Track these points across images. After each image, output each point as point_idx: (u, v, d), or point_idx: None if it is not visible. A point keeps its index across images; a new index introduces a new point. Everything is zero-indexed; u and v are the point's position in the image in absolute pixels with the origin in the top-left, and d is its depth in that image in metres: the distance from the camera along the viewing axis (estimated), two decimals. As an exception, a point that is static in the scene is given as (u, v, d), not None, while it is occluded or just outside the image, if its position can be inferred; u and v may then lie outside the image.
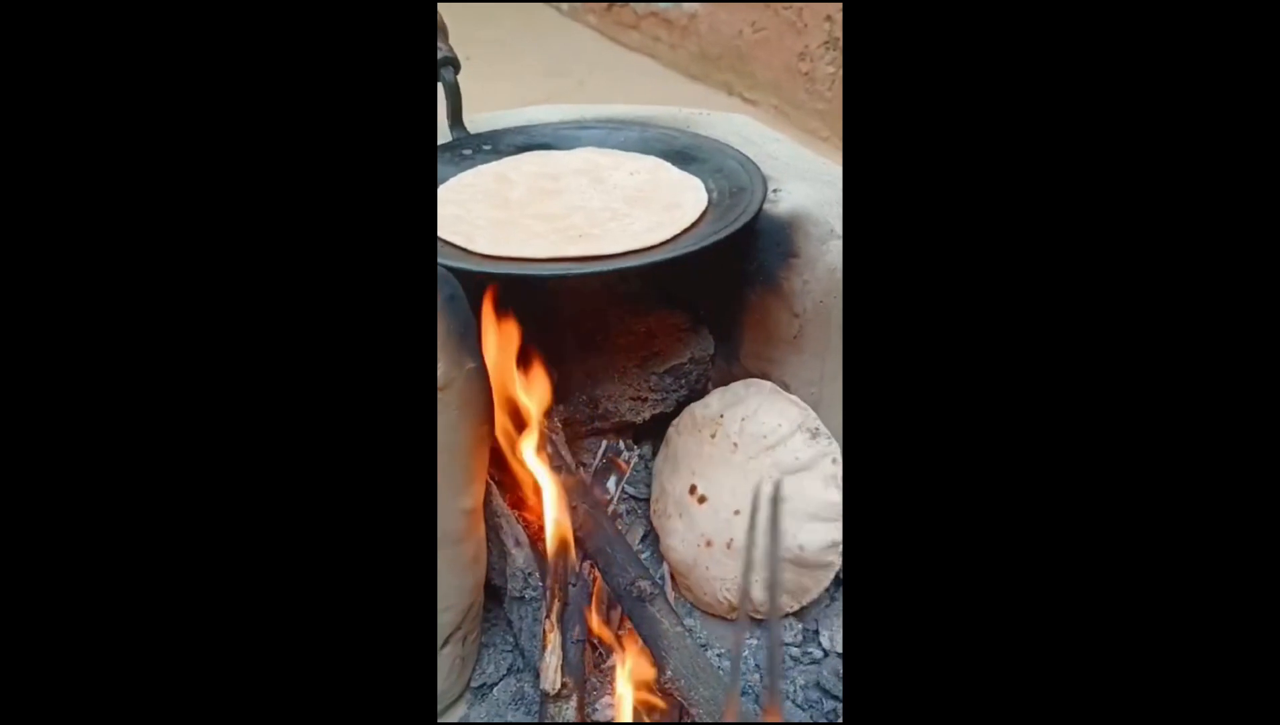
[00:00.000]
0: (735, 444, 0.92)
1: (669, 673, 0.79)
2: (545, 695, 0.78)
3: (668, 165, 1.00)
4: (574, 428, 0.99)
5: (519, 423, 0.86)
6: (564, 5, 3.21)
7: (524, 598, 0.87)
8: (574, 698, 0.78)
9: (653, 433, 1.14)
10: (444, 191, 0.95)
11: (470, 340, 0.76)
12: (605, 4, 2.98)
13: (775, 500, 0.56)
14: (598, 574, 0.85)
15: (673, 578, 0.98)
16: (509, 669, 0.87)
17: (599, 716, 0.80)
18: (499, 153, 1.04)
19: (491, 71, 2.38)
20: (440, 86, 1.03)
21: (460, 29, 1.09)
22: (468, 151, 1.03)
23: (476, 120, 1.10)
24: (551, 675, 0.77)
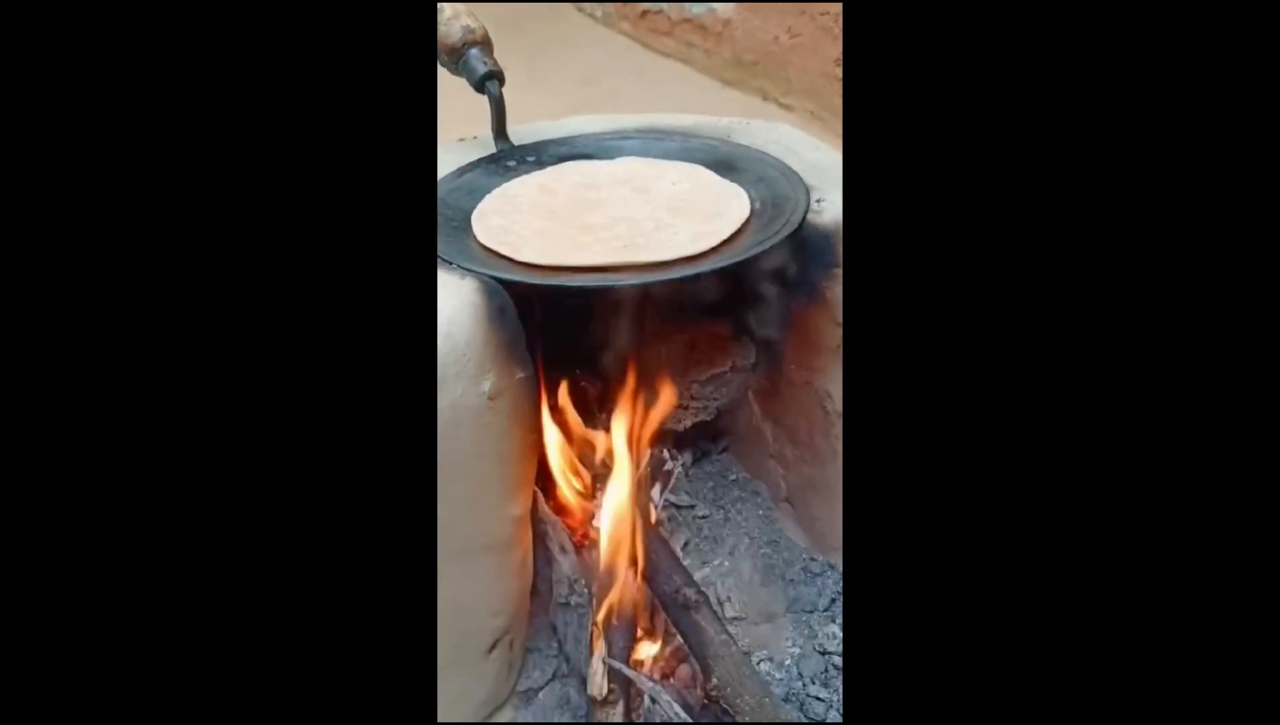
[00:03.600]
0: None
1: (714, 680, 0.79)
2: (593, 701, 0.78)
3: (710, 174, 1.01)
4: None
5: (567, 432, 0.87)
6: (598, 13, 3.23)
7: (569, 604, 0.88)
8: (620, 703, 0.79)
9: (690, 441, 1.15)
10: (489, 202, 0.96)
11: (520, 350, 0.77)
12: (639, 11, 2.99)
13: None
14: (643, 581, 0.85)
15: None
16: (554, 674, 0.88)
17: (645, 720, 0.80)
18: (542, 163, 1.05)
19: (525, 81, 2.40)
20: (487, 100, 1.05)
21: (497, 38, 1.10)
22: (511, 163, 1.05)
23: (519, 132, 1.12)
24: (599, 680, 0.78)
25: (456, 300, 0.74)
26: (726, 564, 1.07)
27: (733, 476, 1.18)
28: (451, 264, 0.79)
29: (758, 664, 0.91)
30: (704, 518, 1.13)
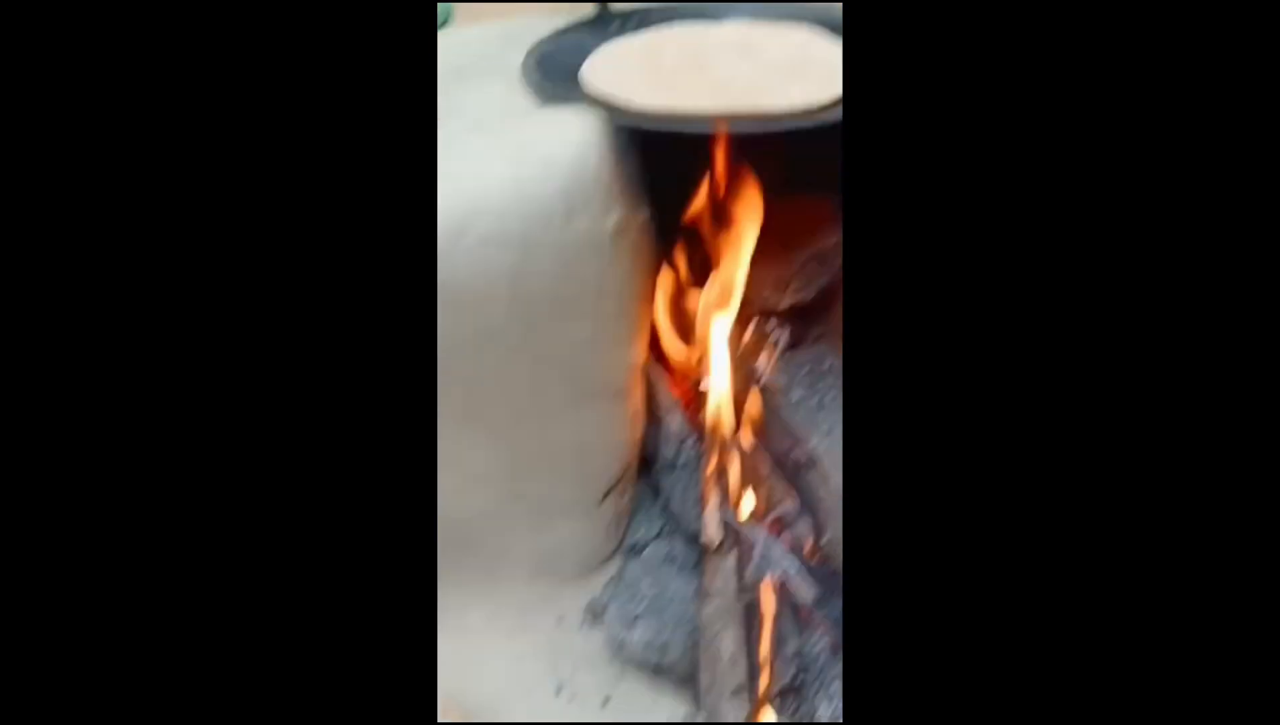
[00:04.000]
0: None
1: (828, 536, 0.78)
2: (706, 548, 0.78)
3: (820, 36, 0.97)
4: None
5: (679, 287, 0.85)
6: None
7: (676, 464, 0.87)
8: (733, 554, 0.79)
9: (789, 325, 1.13)
10: (595, 59, 0.93)
11: (642, 190, 0.75)
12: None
13: None
14: (756, 439, 0.84)
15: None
16: (660, 531, 0.88)
17: (756, 573, 0.80)
18: (647, 28, 1.02)
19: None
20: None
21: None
22: (614, 25, 1.02)
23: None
24: (713, 530, 0.78)
25: (582, 133, 0.72)
26: (823, 446, 1.05)
27: (827, 364, 1.16)
28: (576, 101, 0.77)
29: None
30: (797, 402, 1.12)
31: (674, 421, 0.87)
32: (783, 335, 1.09)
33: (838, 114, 0.82)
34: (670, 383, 0.90)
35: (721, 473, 0.82)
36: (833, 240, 1.03)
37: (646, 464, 0.90)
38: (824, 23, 0.98)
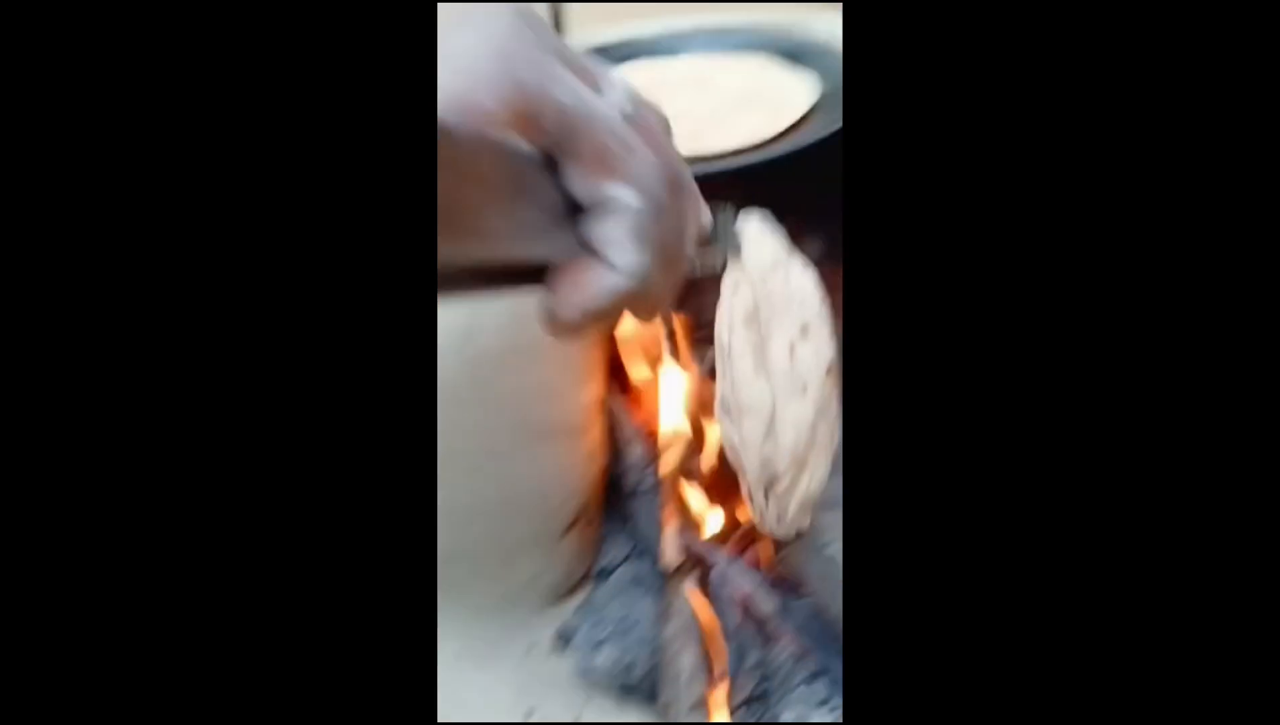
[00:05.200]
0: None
1: (784, 551, 0.82)
2: (666, 572, 0.82)
3: (774, 66, 1.00)
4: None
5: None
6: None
7: (639, 490, 0.91)
8: (693, 576, 0.83)
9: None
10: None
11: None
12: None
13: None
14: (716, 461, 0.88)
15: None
16: (628, 555, 0.92)
17: (718, 592, 0.83)
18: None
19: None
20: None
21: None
22: (574, 65, 1.05)
23: (576, 39, 1.12)
24: (671, 554, 0.81)
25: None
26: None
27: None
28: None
29: (823, 549, 0.93)
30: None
31: (636, 451, 0.91)
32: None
33: (790, 144, 0.85)
34: (635, 412, 0.94)
35: (682, 496, 0.86)
36: (796, 261, 1.06)
37: (616, 491, 0.95)
38: (778, 51, 1.01)
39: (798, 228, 1.05)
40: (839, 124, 0.84)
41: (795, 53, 1.01)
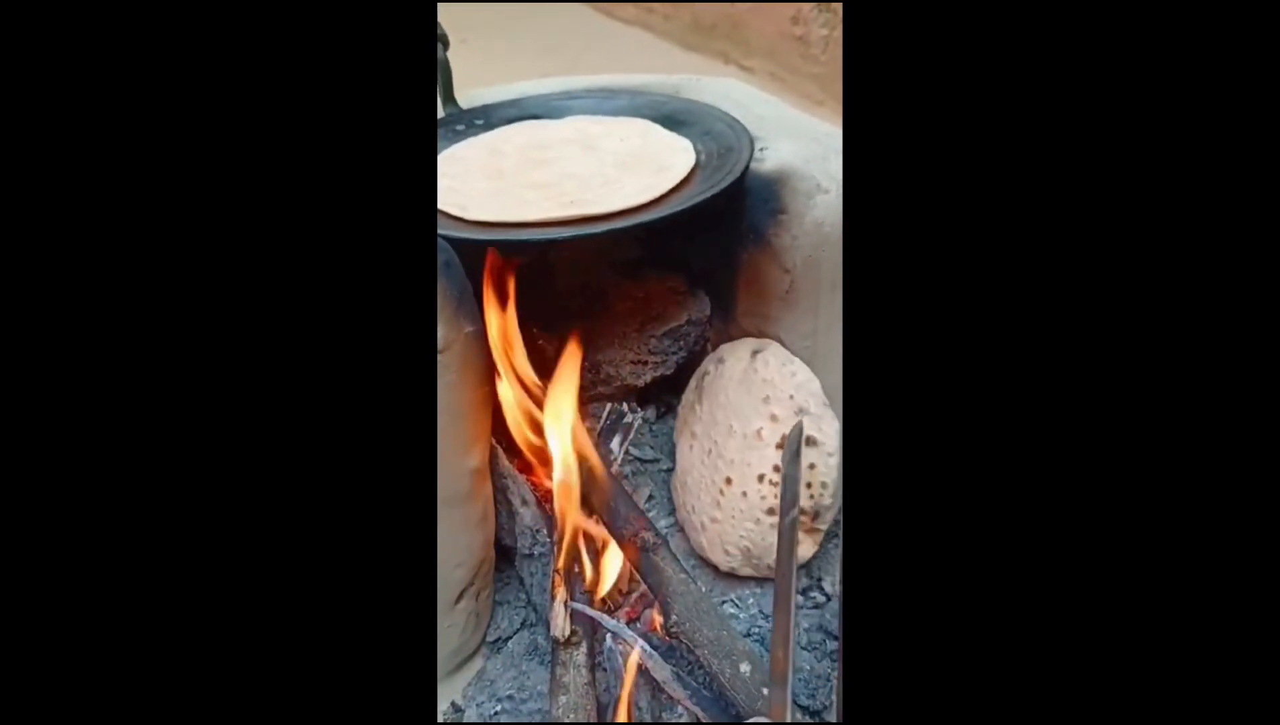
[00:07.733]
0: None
1: (674, 617, 0.81)
2: (555, 643, 0.81)
3: (657, 128, 1.02)
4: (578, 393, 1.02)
5: (523, 386, 0.88)
6: (557, -17, 3.20)
7: (533, 554, 0.90)
8: (584, 644, 0.81)
9: (654, 396, 1.17)
10: (438, 166, 0.97)
11: (467, 305, 0.78)
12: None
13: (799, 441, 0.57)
14: (604, 527, 0.87)
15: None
16: (522, 623, 0.91)
17: (608, 662, 0.82)
18: (491, 126, 1.06)
19: (487, 51, 2.39)
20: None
21: (455, 12, 1.10)
22: (460, 127, 1.05)
23: (468, 96, 1.12)
24: (560, 623, 0.80)
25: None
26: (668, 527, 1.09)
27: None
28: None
29: (721, 605, 0.93)
30: (668, 471, 1.16)
31: (527, 515, 0.90)
32: (645, 413, 1.13)
33: (674, 204, 0.86)
34: (529, 476, 0.93)
35: (572, 563, 0.85)
36: (685, 317, 1.08)
37: (509, 556, 0.93)
38: (658, 117, 1.04)
39: (683, 285, 1.07)
40: (718, 187, 0.86)
41: (677, 118, 1.03)
